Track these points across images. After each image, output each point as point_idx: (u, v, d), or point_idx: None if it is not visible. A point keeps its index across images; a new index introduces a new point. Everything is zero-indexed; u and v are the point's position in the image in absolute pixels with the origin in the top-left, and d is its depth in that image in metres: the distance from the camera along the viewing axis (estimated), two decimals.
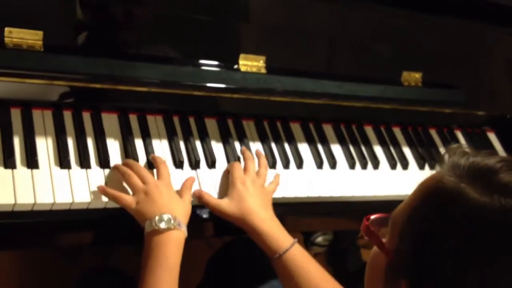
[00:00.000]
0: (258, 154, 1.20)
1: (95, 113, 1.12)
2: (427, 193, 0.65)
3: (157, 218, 0.96)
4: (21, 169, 0.99)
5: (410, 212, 0.65)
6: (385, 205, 1.21)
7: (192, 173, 1.14)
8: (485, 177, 0.63)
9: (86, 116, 1.11)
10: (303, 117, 1.34)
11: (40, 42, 1.00)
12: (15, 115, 1.05)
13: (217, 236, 1.26)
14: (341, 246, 1.82)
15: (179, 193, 1.06)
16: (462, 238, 0.61)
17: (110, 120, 1.13)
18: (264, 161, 1.18)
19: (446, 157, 0.68)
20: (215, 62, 1.17)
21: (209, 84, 1.13)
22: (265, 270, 1.22)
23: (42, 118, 1.08)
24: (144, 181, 1.02)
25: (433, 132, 1.54)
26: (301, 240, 1.78)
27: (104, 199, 1.02)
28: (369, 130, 1.43)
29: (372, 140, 1.41)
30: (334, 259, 1.86)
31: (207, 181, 1.14)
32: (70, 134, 1.08)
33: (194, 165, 1.15)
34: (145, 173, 1.04)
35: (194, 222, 1.07)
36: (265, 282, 1.24)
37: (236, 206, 1.06)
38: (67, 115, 1.09)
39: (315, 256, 1.96)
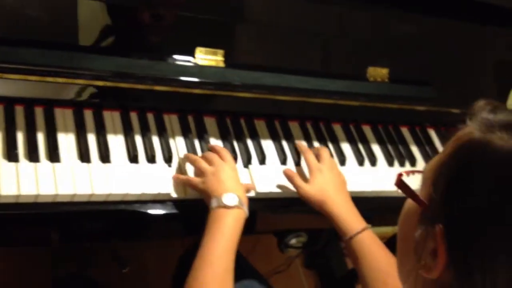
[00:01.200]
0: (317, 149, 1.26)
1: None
2: (458, 144, 0.66)
3: (224, 195, 1.04)
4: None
5: (443, 163, 0.66)
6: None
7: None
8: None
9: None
10: (269, 114, 1.33)
11: None
12: None
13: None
14: (315, 247, 1.79)
15: None
16: (496, 178, 0.62)
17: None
18: (323, 149, 1.26)
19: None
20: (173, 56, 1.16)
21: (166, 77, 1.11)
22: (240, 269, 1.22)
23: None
24: (211, 164, 1.10)
25: (404, 130, 1.52)
26: (274, 242, 1.76)
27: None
28: (337, 128, 1.41)
29: (340, 138, 1.40)
30: (314, 262, 1.84)
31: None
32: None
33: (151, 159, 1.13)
34: (212, 156, 1.13)
35: None
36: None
37: (317, 192, 1.15)
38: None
39: (290, 259, 1.94)
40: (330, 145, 1.36)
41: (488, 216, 0.62)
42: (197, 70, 1.14)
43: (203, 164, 1.12)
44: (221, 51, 1.18)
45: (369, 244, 1.09)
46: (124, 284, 1.73)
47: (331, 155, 1.33)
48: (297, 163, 1.29)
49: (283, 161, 1.27)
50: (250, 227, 1.28)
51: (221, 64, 1.18)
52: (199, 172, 1.12)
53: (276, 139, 1.30)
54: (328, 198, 1.15)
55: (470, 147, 0.64)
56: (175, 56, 1.16)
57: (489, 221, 0.62)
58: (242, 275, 1.24)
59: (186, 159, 1.15)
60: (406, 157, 1.44)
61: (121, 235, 1.21)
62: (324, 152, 1.24)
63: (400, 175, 0.72)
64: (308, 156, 1.22)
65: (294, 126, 1.36)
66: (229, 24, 1.20)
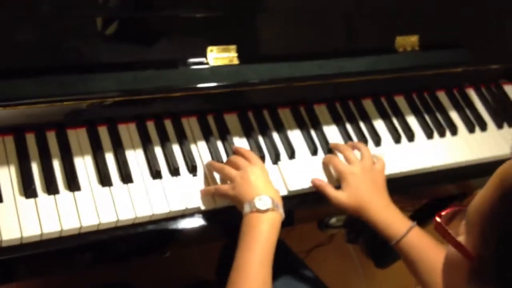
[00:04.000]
0: (352, 144, 1.19)
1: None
2: (505, 186, 0.54)
3: (256, 199, 0.98)
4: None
5: (490, 209, 0.56)
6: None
7: None
8: None
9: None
10: (293, 100, 1.24)
11: None
12: None
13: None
14: (356, 225, 1.73)
15: None
16: None
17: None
18: (360, 144, 1.18)
19: None
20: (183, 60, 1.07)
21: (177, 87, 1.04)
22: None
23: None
24: (238, 168, 1.04)
25: (441, 95, 1.41)
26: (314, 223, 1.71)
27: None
28: (368, 104, 1.32)
29: (372, 114, 1.30)
30: (356, 238, 1.78)
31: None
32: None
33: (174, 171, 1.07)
34: (238, 159, 1.06)
35: None
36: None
37: (351, 199, 1.07)
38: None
39: (332, 237, 1.89)
40: (362, 125, 1.28)
41: None
42: (210, 72, 1.05)
43: (230, 171, 1.05)
44: (233, 47, 1.09)
45: (418, 244, 1.02)
46: (166, 268, 1.72)
47: (365, 138, 1.24)
48: (330, 150, 1.21)
49: (314, 152, 1.20)
50: (287, 223, 1.23)
51: (235, 61, 1.09)
52: (226, 179, 1.06)
53: (303, 127, 1.22)
54: (365, 204, 1.07)
55: None
56: (186, 60, 1.08)
57: None
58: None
59: (211, 167, 1.09)
60: (446, 126, 1.34)
61: (152, 251, 1.17)
62: (351, 153, 1.14)
63: (438, 215, 0.62)
64: (335, 162, 1.13)
65: (321, 110, 1.27)
66: (236, 16, 1.10)
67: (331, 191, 1.10)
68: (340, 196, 1.08)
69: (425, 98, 1.38)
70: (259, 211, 0.97)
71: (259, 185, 1.01)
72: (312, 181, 1.12)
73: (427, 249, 1.01)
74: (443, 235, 0.61)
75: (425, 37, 1.27)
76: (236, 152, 1.11)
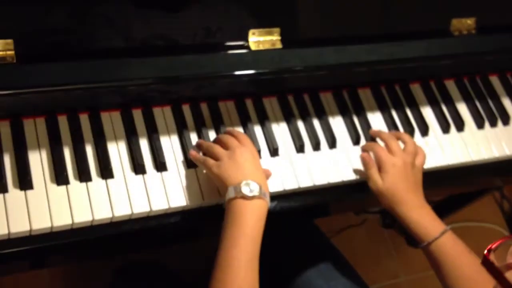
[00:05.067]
0: (397, 134, 1.12)
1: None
2: None
3: (243, 183, 0.89)
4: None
5: None
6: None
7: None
8: None
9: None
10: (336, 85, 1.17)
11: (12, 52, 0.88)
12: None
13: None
14: None
15: None
16: None
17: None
18: (406, 136, 1.11)
19: None
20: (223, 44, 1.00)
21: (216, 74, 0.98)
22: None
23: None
24: (227, 148, 0.96)
25: (494, 79, 1.31)
26: None
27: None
28: (416, 89, 1.24)
29: (420, 100, 1.22)
30: (392, 223, 1.73)
31: None
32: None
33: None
34: (229, 138, 0.98)
35: None
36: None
37: (389, 191, 1.02)
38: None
39: (366, 222, 1.83)
40: (409, 112, 1.20)
41: None
42: (251, 57, 0.99)
43: (219, 149, 0.96)
44: (276, 29, 1.02)
45: (451, 249, 0.97)
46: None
47: (412, 128, 1.17)
48: (373, 139, 1.14)
49: (356, 141, 1.13)
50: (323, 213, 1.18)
51: (278, 45, 1.02)
52: (215, 158, 0.96)
53: (346, 114, 1.15)
54: (400, 199, 1.01)
55: None
56: (226, 44, 1.01)
57: None
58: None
59: (200, 146, 1.01)
60: (498, 116, 1.25)
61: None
62: (395, 143, 1.07)
63: (488, 251, 0.56)
64: (378, 149, 1.07)
65: (366, 94, 1.20)
66: None
67: (374, 172, 1.04)
68: (380, 182, 1.03)
69: (477, 82, 1.29)
70: (244, 197, 0.89)
71: (247, 168, 0.93)
72: (362, 156, 1.07)
73: (459, 255, 0.97)
74: (493, 273, 0.57)
75: (482, 19, 1.17)
76: (228, 133, 1.02)
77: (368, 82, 1.20)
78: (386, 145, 1.08)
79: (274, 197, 1.04)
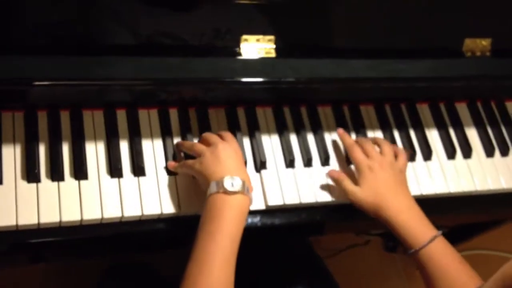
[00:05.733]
0: (372, 139, 1.06)
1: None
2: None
3: (226, 178, 0.86)
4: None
5: None
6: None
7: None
8: None
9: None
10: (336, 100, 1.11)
11: None
12: None
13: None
14: None
15: None
16: None
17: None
18: (380, 139, 1.06)
19: None
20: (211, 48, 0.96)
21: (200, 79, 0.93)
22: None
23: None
24: (209, 144, 0.93)
25: (510, 105, 1.23)
26: None
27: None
28: (424, 110, 1.17)
29: (427, 122, 1.15)
30: (395, 246, 1.65)
31: None
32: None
33: None
34: (210, 136, 0.95)
35: None
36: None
37: (370, 197, 0.96)
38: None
39: (367, 243, 1.76)
40: (413, 134, 1.13)
41: None
42: (242, 65, 0.94)
43: (201, 146, 0.93)
44: (271, 37, 0.96)
45: (441, 255, 0.90)
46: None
47: (414, 149, 1.10)
48: None
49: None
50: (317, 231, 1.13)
51: (272, 54, 0.97)
52: (196, 155, 0.94)
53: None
54: (385, 202, 0.94)
55: None
56: (216, 49, 0.96)
57: None
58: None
59: (181, 147, 0.98)
60: (511, 145, 1.17)
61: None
62: (370, 146, 1.01)
63: None
64: (354, 151, 1.00)
65: (367, 111, 1.13)
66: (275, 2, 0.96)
67: (348, 184, 0.98)
68: (356, 190, 0.97)
69: (491, 107, 1.21)
70: (226, 192, 0.85)
71: (229, 164, 0.89)
72: (329, 173, 1.01)
73: (449, 264, 0.90)
74: None
75: (499, 41, 1.09)
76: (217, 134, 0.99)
77: (372, 98, 1.14)
78: (363, 149, 1.01)
79: (257, 212, 0.99)
